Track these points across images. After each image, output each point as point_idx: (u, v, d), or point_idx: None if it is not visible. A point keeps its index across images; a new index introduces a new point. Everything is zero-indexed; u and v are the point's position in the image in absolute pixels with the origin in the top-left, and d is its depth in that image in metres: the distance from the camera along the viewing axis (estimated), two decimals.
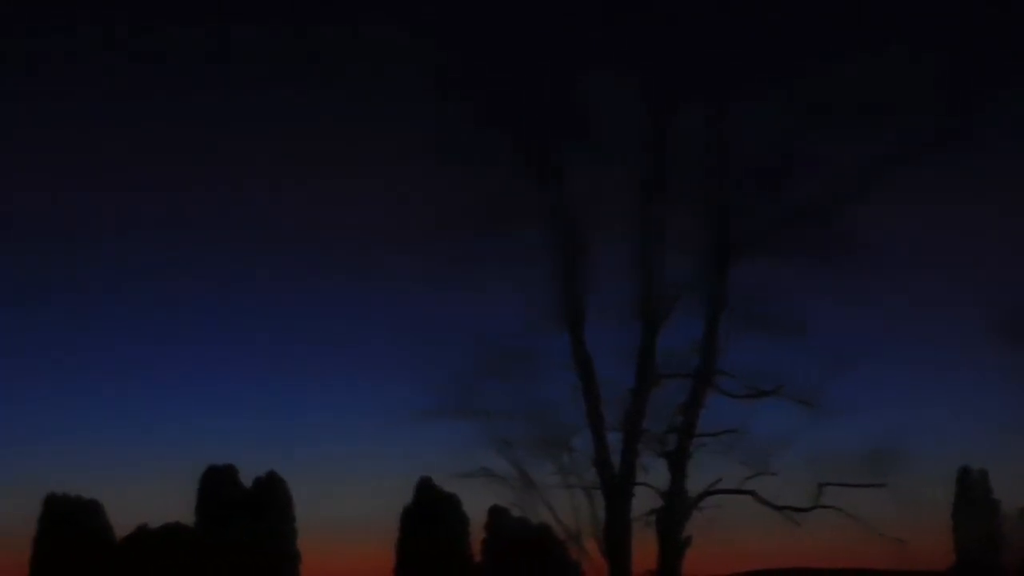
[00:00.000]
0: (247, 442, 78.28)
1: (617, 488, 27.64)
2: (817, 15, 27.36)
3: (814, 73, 27.20)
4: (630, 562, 27.62)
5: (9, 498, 64.64)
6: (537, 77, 27.41)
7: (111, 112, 62.83)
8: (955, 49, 27.27)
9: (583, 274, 28.00)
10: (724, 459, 28.20)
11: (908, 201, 29.72)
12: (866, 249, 27.26)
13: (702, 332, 28.01)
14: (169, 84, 61.26)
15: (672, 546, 27.80)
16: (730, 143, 27.87)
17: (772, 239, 27.83)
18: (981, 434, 67.33)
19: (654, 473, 28.15)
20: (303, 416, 77.73)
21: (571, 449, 28.23)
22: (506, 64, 27.43)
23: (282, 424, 76.55)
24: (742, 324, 27.94)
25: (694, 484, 28.14)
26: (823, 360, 27.69)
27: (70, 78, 62.53)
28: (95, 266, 68.15)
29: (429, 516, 62.15)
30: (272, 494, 61.94)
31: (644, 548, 27.85)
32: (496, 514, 60.36)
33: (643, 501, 28.01)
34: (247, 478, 62.53)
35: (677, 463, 27.90)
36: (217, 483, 61.71)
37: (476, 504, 60.67)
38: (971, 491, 67.88)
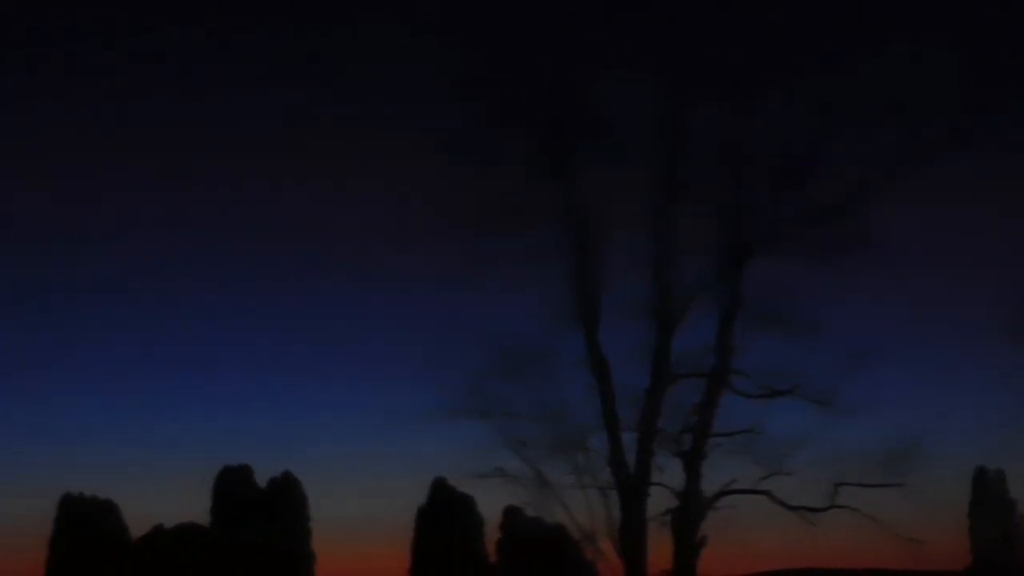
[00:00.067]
0: (262, 442, 78.55)
1: (632, 488, 27.62)
2: (832, 15, 27.32)
3: (829, 73, 27.16)
4: (645, 562, 27.59)
5: (25, 498, 64.96)
6: (552, 76, 27.42)
7: (111, 112, 63.14)
8: (971, 49, 27.23)
9: (598, 274, 28.03)
10: (739, 459, 28.22)
11: (924, 201, 29.70)
12: (882, 249, 27.27)
13: (717, 332, 28.00)
14: (169, 84, 61.59)
15: (687, 546, 27.76)
16: (745, 143, 27.84)
17: (787, 239, 27.81)
18: (997, 434, 67.12)
19: (669, 473, 28.20)
20: (318, 417, 77.97)
21: (586, 449, 28.24)
22: (521, 63, 27.42)
23: (297, 425, 76.88)
24: (757, 324, 27.95)
25: (709, 484, 28.18)
26: (838, 360, 27.70)
27: (70, 78, 62.82)
28: (97, 266, 68.54)
29: (444, 516, 62.12)
30: (287, 494, 61.98)
31: (659, 548, 27.86)
32: (511, 514, 60.36)
33: (658, 501, 28.06)
34: (262, 478, 62.67)
35: (692, 463, 27.87)
36: (232, 483, 61.76)
37: (491, 504, 60.78)
38: (987, 491, 67.67)
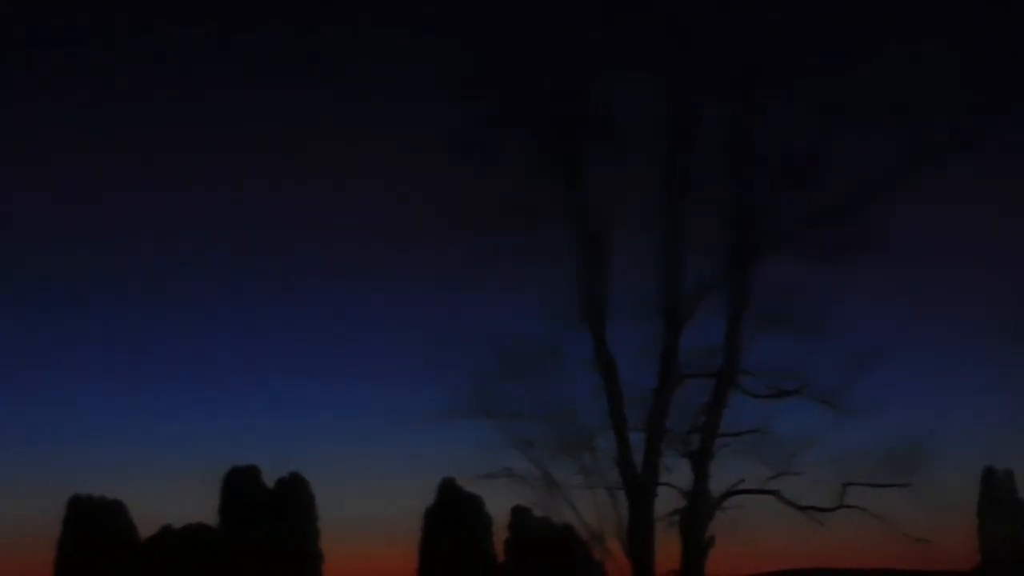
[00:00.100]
0: (270, 443, 78.42)
1: (640, 488, 27.60)
2: (835, 15, 27.30)
3: (833, 72, 27.12)
4: (653, 562, 27.56)
5: (33, 499, 65.06)
6: (558, 76, 27.41)
7: (111, 112, 63.15)
8: (973, 49, 27.20)
9: (605, 274, 27.98)
10: (747, 459, 28.20)
11: (929, 201, 29.65)
12: (888, 248, 27.23)
13: (724, 332, 27.97)
14: (169, 84, 61.60)
15: (695, 546, 27.74)
16: (753, 142, 27.80)
17: (795, 238, 27.78)
18: (1006, 433, 67.06)
19: (677, 473, 28.17)
20: (326, 417, 77.99)
21: (594, 449, 28.21)
22: (526, 63, 27.41)
23: (304, 425, 76.78)
24: (765, 324, 27.92)
25: (717, 484, 28.15)
26: (846, 359, 27.69)
27: (70, 78, 62.87)
28: (97, 266, 68.62)
29: (452, 516, 62.09)
30: (295, 495, 61.95)
31: (667, 548, 27.84)
32: (519, 514, 60.28)
33: (666, 501, 28.04)
34: (270, 479, 62.59)
35: (700, 463, 27.84)
36: (240, 484, 61.74)
37: (499, 504, 60.88)
38: (996, 491, 67.60)
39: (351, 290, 69.15)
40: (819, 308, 27.55)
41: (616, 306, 28.19)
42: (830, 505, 28.13)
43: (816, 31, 27.36)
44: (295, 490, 62.10)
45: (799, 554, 57.30)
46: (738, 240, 27.76)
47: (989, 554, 65.60)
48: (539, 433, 28.17)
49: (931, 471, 28.19)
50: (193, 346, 76.67)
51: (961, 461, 59.47)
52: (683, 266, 27.81)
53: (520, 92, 27.45)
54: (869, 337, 29.04)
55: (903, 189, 27.33)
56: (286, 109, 57.18)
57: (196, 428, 77.78)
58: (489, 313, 29.46)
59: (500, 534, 62.71)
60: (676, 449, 28.04)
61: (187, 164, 63.53)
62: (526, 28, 27.66)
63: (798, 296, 27.62)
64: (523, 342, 27.87)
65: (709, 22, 27.31)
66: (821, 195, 27.80)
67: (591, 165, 27.94)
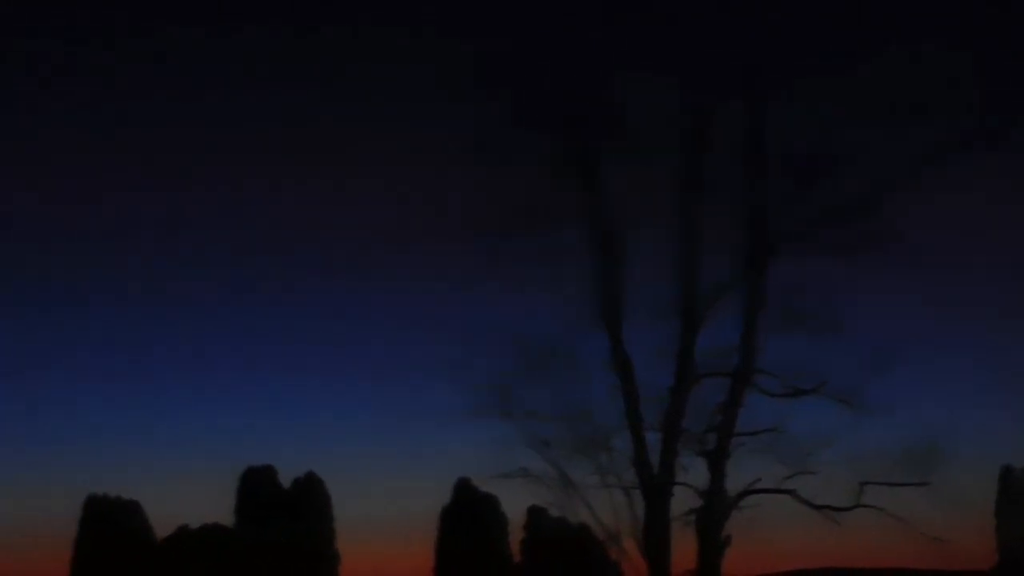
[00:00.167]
0: (286, 443, 78.62)
1: (656, 488, 27.58)
2: (849, 13, 27.24)
3: (850, 71, 27.07)
4: (669, 562, 27.55)
5: (50, 499, 65.29)
6: (574, 76, 27.40)
7: (111, 112, 63.23)
8: (993, 47, 27.12)
9: (621, 273, 27.99)
10: (763, 458, 28.17)
11: (947, 199, 29.55)
12: (905, 247, 27.16)
13: (741, 331, 27.94)
14: (169, 84, 61.62)
15: (712, 546, 27.71)
16: (768, 141, 27.77)
17: (811, 237, 27.73)
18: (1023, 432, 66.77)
19: (693, 473, 28.15)
20: (342, 417, 77.85)
21: (610, 449, 28.22)
22: (544, 63, 27.41)
23: (321, 425, 76.79)
24: (781, 322, 27.88)
25: (733, 483, 28.13)
26: (863, 358, 27.63)
27: (70, 78, 62.99)
28: (97, 267, 68.73)
29: (468, 516, 62.12)
30: (311, 495, 62.05)
31: (683, 548, 27.82)
32: (535, 514, 60.23)
33: (682, 501, 28.02)
34: (286, 479, 62.70)
35: (716, 462, 27.82)
36: (256, 484, 61.86)
37: (515, 504, 60.88)
38: (1013, 490, 67.28)
39: (351, 290, 69.21)
40: (835, 307, 27.58)
41: (632, 306, 28.22)
42: (847, 504, 28.07)
43: (827, 30, 27.30)
44: (311, 490, 62.20)
45: (815, 553, 57.30)
46: (754, 239, 27.74)
47: (1007, 553, 65.30)
48: (555, 433, 28.24)
49: (948, 470, 28.16)
50: (193, 346, 76.74)
51: (978, 460, 59.25)
52: (699, 266, 27.79)
53: (533, 93, 27.44)
54: (886, 336, 29.01)
55: (919, 187, 27.30)
56: (286, 109, 57.22)
57: (212, 428, 77.81)
58: (507, 313, 29.49)
59: (516, 534, 62.66)
60: (692, 448, 28.03)
61: (187, 164, 63.54)
62: (541, 27, 27.64)
63: (814, 295, 27.61)
64: (539, 342, 27.91)
65: (720, 22, 27.27)
66: (836, 194, 27.77)
67: (606, 165, 27.95)
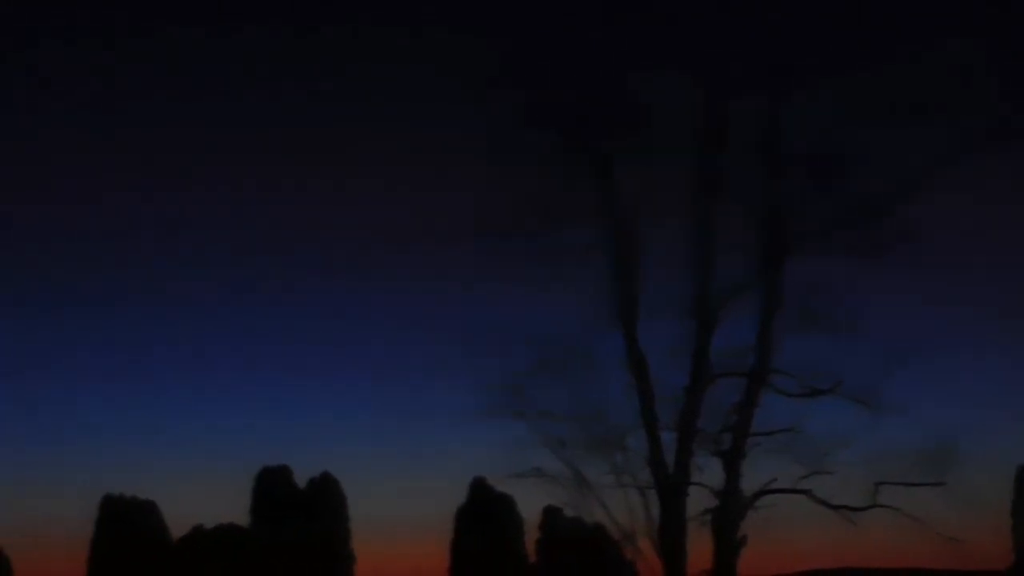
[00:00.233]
0: (301, 443, 78.64)
1: (671, 488, 27.56)
2: (865, 13, 27.19)
3: (867, 70, 27.03)
4: (685, 562, 27.53)
5: (66, 499, 65.53)
6: (590, 74, 27.39)
7: (111, 112, 63.37)
8: (1009, 46, 27.05)
9: (636, 273, 27.97)
10: (779, 458, 28.12)
11: (964, 198, 29.51)
12: (921, 246, 27.09)
13: (757, 330, 27.90)
14: (169, 84, 61.76)
15: (727, 546, 27.68)
16: (785, 141, 27.72)
17: (827, 237, 27.67)
18: None
19: (709, 472, 28.13)
20: (357, 417, 77.97)
21: (625, 449, 28.22)
22: (558, 62, 27.40)
23: (336, 425, 76.92)
24: (797, 322, 27.83)
25: (749, 483, 28.10)
26: (880, 358, 27.54)
27: (70, 78, 63.13)
28: (97, 267, 68.90)
29: (483, 516, 62.15)
30: (326, 495, 62.13)
31: (699, 548, 27.80)
32: (550, 514, 60.36)
33: (698, 501, 28.00)
34: (301, 479, 62.81)
35: (732, 462, 27.78)
36: (271, 484, 61.96)
37: (530, 504, 60.76)
38: None
39: (351, 290, 69.34)
40: (852, 307, 27.50)
41: (648, 305, 28.18)
42: (862, 504, 28.03)
43: (844, 29, 27.24)
44: (326, 490, 62.28)
45: (831, 553, 57.00)
46: (770, 239, 27.70)
47: (1023, 553, 65.13)
48: (570, 432, 28.24)
49: (964, 470, 28.11)
50: (193, 346, 76.88)
51: (994, 460, 58.98)
52: (715, 265, 27.77)
53: (551, 90, 27.43)
54: (902, 335, 28.91)
55: (936, 187, 27.24)
56: (286, 109, 57.38)
57: (228, 428, 78.02)
58: (522, 312, 29.47)
59: (532, 534, 62.80)
60: (708, 448, 28.02)
61: (187, 164, 63.85)
62: (558, 26, 27.65)
63: (831, 295, 27.55)
64: (555, 341, 27.89)
65: (744, 18, 27.24)
66: (853, 194, 27.72)
67: (621, 164, 27.94)
